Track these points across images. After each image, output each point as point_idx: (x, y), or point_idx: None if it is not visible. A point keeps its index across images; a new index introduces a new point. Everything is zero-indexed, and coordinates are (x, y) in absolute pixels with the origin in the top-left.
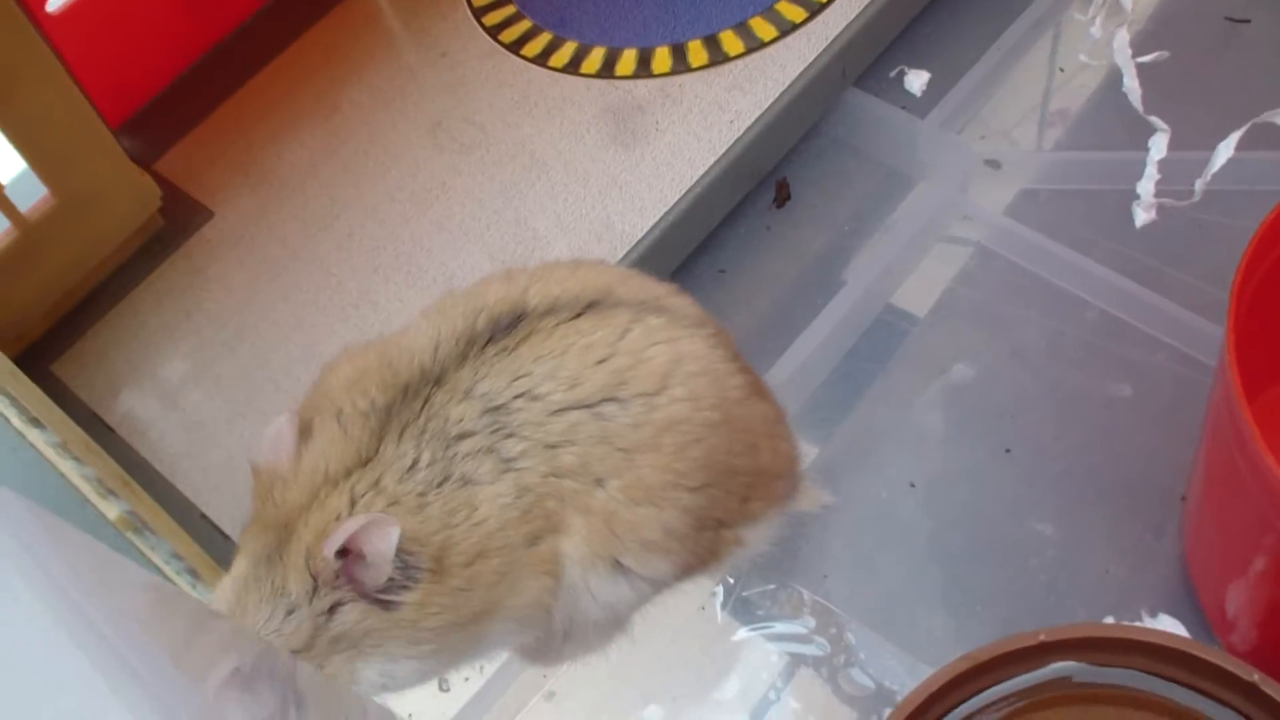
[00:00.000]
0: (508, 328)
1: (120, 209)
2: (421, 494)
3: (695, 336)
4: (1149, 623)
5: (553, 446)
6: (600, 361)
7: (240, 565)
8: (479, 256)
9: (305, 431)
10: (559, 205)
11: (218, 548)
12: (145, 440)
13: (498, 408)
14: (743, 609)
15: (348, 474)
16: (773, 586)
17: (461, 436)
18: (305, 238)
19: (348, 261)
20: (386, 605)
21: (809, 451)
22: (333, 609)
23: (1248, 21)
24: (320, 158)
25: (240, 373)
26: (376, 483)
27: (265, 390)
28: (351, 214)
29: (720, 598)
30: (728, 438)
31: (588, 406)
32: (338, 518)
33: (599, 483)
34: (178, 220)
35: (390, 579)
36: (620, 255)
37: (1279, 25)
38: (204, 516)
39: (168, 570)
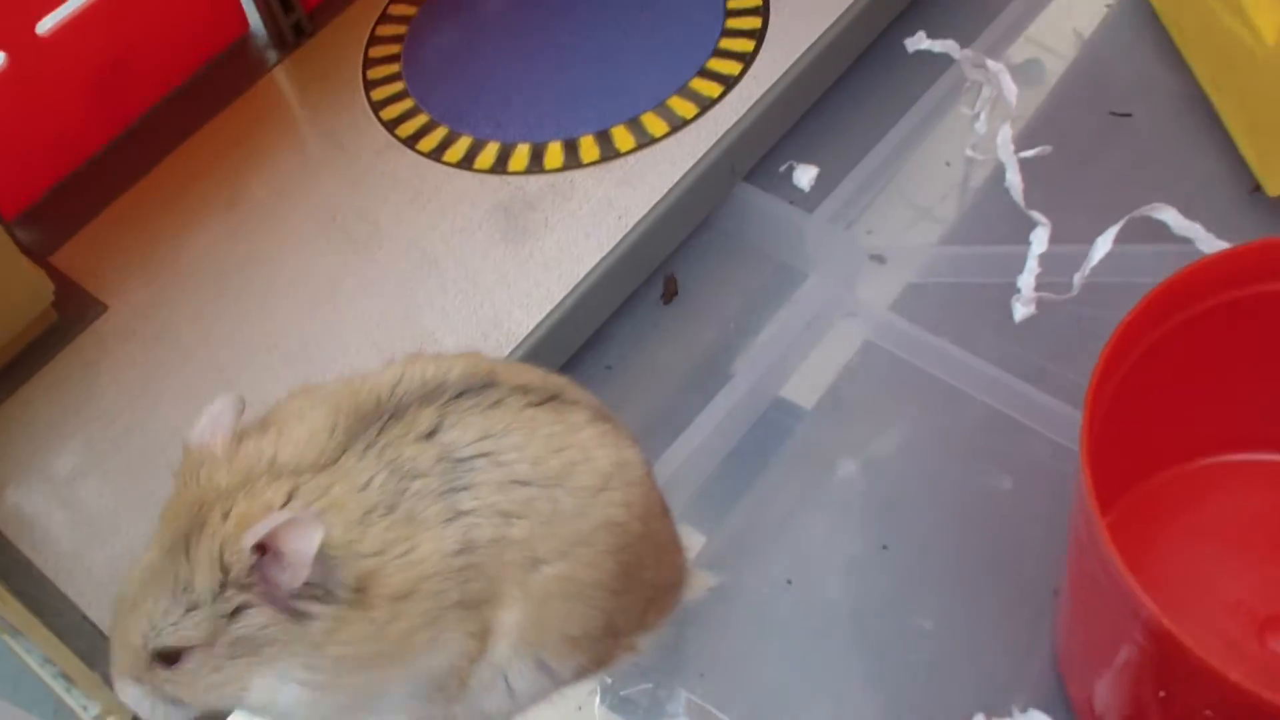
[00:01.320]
0: (480, 389)
1: (12, 303)
2: (367, 513)
3: (635, 449)
4: (1019, 718)
5: (506, 514)
6: (558, 450)
7: (151, 552)
8: (369, 353)
9: (262, 427)
10: (448, 302)
11: (99, 652)
12: (29, 539)
13: (459, 460)
14: (621, 708)
15: (298, 471)
16: (650, 685)
17: (415, 475)
18: (198, 332)
19: (239, 357)
20: (296, 616)
21: (694, 545)
22: (238, 611)
23: (1129, 115)
24: (216, 251)
25: (129, 470)
26: (327, 489)
27: (155, 488)
28: (245, 308)
29: (599, 696)
30: (646, 548)
31: (544, 486)
32: (268, 510)
33: (539, 563)
34: (71, 314)
35: (307, 585)
36: (507, 352)
37: (1160, 118)
38: (85, 618)
39: (42, 674)
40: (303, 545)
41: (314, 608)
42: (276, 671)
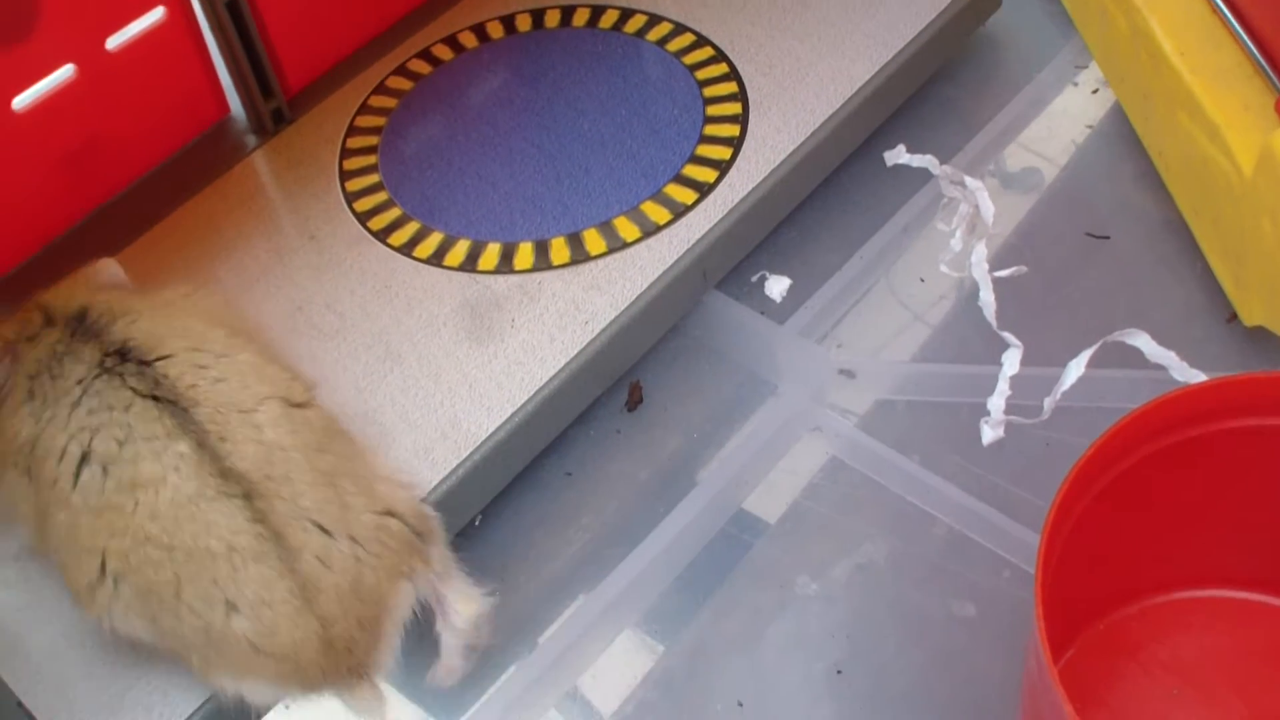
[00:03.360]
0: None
1: None
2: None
3: None
4: None
5: None
6: None
7: None
8: None
9: None
10: (408, 400)
11: None
12: None
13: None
14: None
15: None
16: None
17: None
18: None
19: None
20: None
21: (644, 664)
22: None
23: (1107, 238)
24: None
25: None
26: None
27: None
28: None
29: None
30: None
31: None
32: None
33: None
34: None
35: None
36: (465, 455)
37: (1138, 242)
38: (20, 705)
39: None
40: None
41: None
42: None
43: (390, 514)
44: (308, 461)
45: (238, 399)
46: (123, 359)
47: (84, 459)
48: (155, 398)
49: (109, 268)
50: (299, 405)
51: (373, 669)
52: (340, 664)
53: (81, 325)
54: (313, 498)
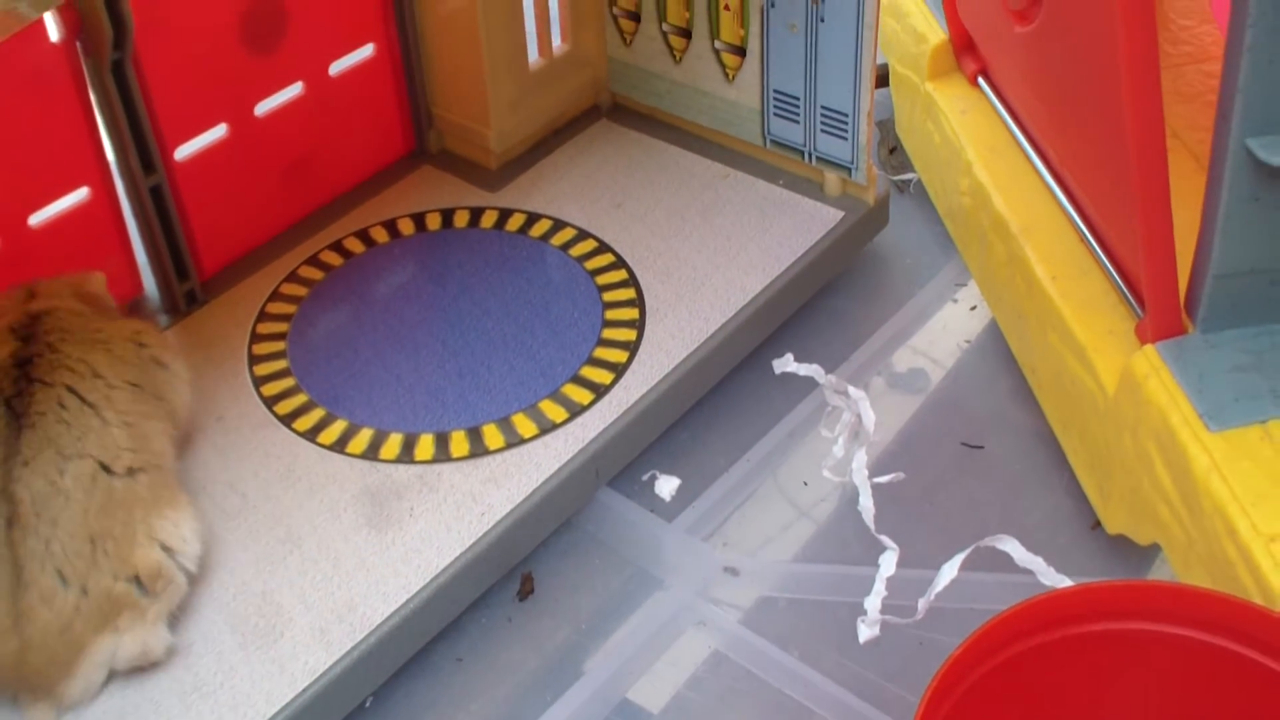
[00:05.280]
0: None
1: None
2: None
3: None
4: None
5: None
6: None
7: None
8: (220, 625)
9: None
10: (306, 582)
11: None
12: None
13: None
14: None
15: None
16: None
17: None
18: None
19: None
20: None
21: None
22: None
23: (981, 447)
24: None
25: None
26: None
27: None
28: None
29: None
30: None
31: None
32: None
33: None
34: None
35: None
36: (359, 638)
37: (1010, 452)
38: None
39: None
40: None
41: None
42: None
43: (133, 579)
44: (84, 518)
45: (63, 442)
46: (21, 364)
47: None
48: (9, 405)
49: (98, 282)
50: (113, 473)
51: (57, 695)
52: (28, 683)
53: (33, 322)
54: (67, 548)
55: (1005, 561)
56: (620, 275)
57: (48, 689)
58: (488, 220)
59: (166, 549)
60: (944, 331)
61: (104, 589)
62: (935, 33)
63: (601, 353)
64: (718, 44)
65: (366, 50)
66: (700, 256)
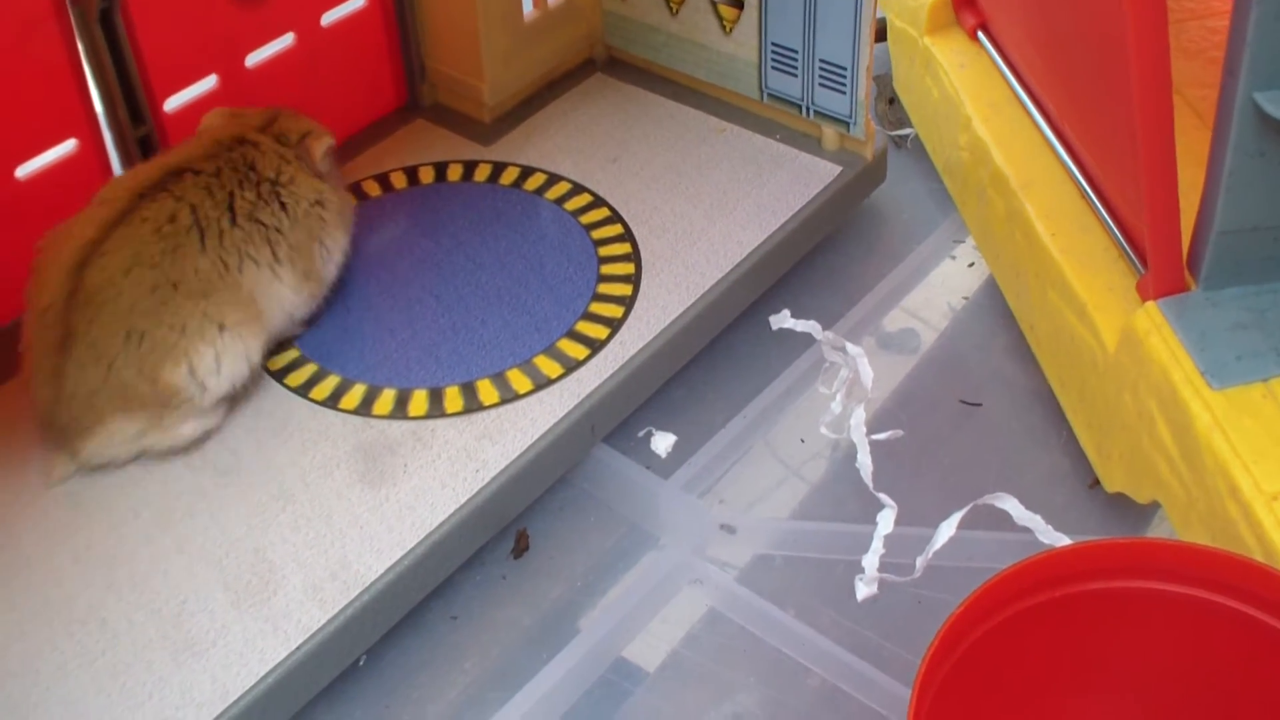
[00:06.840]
0: None
1: None
2: None
3: None
4: None
5: None
6: None
7: None
8: (213, 584)
9: None
10: (299, 539)
11: None
12: None
13: None
14: None
15: None
16: None
17: None
18: (40, 549)
19: (80, 576)
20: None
21: None
22: None
23: (979, 405)
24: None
25: None
26: None
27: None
28: (91, 529)
29: None
30: None
31: None
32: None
33: None
34: None
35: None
36: (353, 596)
37: (1008, 410)
38: None
39: None
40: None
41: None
42: None
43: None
44: (129, 314)
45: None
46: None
47: None
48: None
49: (324, 145)
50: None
51: (75, 450)
52: (57, 431)
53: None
54: (107, 329)
55: (1004, 519)
56: (616, 230)
57: (69, 444)
58: (481, 174)
59: (193, 373)
60: (942, 288)
61: (125, 380)
62: None
63: (597, 308)
64: None
65: (359, 1)
66: (696, 211)
